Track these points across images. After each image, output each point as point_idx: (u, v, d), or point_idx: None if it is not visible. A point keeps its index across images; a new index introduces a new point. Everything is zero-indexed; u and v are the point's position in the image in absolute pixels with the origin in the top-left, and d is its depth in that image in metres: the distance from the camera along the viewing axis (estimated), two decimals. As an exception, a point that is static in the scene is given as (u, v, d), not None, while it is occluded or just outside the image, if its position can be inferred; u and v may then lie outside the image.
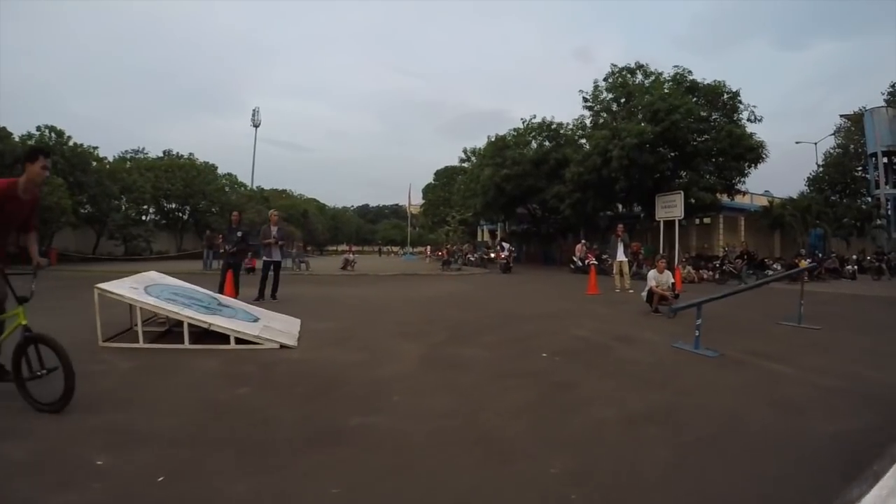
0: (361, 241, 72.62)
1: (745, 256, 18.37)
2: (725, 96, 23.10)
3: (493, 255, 25.35)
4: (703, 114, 22.47)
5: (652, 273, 9.92)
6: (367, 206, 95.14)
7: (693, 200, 20.79)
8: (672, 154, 21.07)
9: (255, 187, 43.05)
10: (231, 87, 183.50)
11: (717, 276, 18.19)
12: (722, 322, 7.93)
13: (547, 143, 26.93)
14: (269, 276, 10.79)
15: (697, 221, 26.30)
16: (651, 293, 9.47)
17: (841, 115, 35.29)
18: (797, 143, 38.13)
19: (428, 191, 43.71)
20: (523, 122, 27.60)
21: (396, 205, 46.50)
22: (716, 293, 7.15)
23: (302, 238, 32.13)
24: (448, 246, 28.42)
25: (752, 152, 21.71)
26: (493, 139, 28.39)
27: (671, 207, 20.91)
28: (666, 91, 21.78)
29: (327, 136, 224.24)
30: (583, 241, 23.37)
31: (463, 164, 36.88)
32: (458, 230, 31.32)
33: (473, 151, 33.02)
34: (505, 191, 26.10)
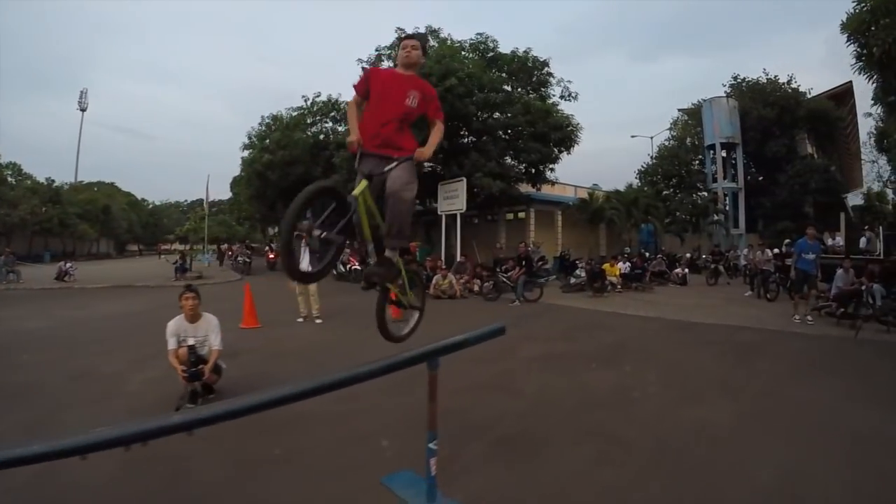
0: (183, 240, 63.76)
1: (524, 262, 13.12)
2: (535, 70, 18.62)
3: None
4: (506, 87, 17.81)
5: (173, 325, 4.56)
6: (200, 200, 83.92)
7: (475, 189, 16.02)
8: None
9: (43, 179, 34.06)
10: (72, 66, 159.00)
11: (492, 286, 13.21)
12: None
13: (331, 125, 21.33)
14: None
15: (511, 216, 21.77)
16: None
17: (679, 110, 32.69)
18: (633, 136, 35.34)
19: (234, 183, 36.64)
20: (306, 101, 21.81)
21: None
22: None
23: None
24: (186, 247, 21.99)
25: (559, 131, 17.28)
26: (267, 119, 22.33)
27: (453, 198, 16.11)
28: (467, 61, 16.80)
29: (178, 125, 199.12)
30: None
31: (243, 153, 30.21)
32: (197, 227, 25.10)
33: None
34: (270, 180, 20.21)
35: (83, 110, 45.30)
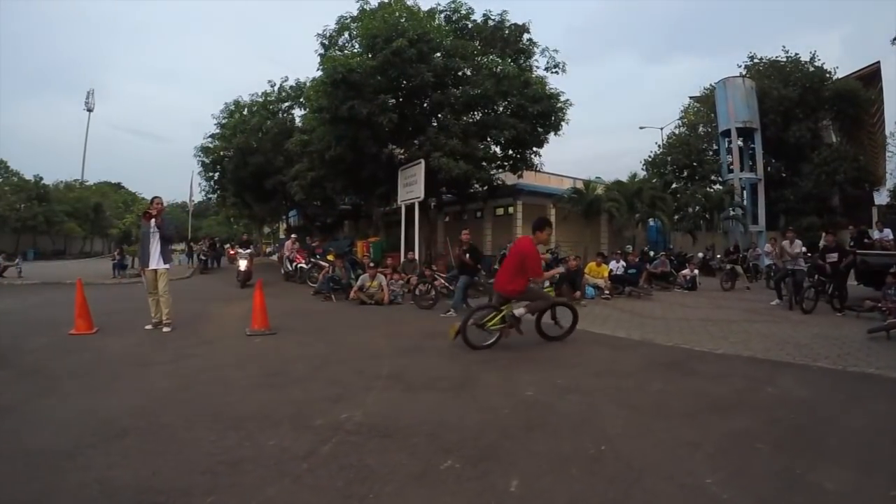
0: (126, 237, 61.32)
1: (468, 255, 8.95)
2: (514, 37, 15.09)
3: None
4: (483, 59, 14.31)
5: None
6: (209, 199, 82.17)
7: (439, 175, 12.64)
8: (393, 100, 12.54)
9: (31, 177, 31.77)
10: (93, 69, 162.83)
11: (426, 290, 9.66)
12: None
13: (300, 112, 18.29)
14: None
15: (501, 212, 18.33)
16: None
17: (690, 97, 28.56)
18: (641, 128, 31.36)
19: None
20: (272, 86, 18.73)
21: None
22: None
23: None
24: (122, 245, 18.92)
25: (538, 104, 13.68)
26: (230, 105, 19.26)
27: (412, 185, 12.83)
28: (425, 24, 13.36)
29: (191, 126, 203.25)
30: (293, 235, 14.90)
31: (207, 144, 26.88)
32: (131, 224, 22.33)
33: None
34: (226, 171, 17.32)
35: (90, 111, 43.74)
